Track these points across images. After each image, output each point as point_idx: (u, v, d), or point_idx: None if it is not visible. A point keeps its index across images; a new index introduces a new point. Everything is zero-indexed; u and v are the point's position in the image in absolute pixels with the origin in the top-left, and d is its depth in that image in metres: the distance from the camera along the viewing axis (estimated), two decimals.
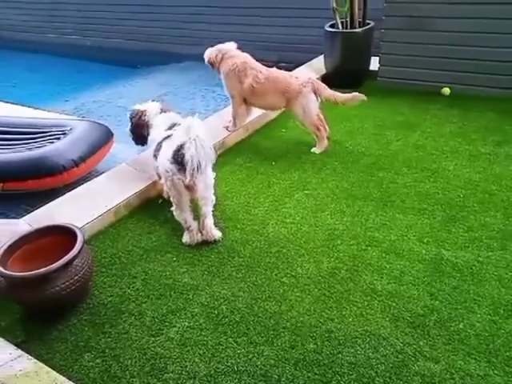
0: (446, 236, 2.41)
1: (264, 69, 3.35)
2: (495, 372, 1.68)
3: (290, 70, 3.62)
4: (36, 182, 3.16)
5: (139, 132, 2.74)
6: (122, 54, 7.68)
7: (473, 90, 4.24)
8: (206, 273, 2.25)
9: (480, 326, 1.87)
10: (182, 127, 2.16)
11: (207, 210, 2.40)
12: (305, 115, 3.29)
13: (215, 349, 1.84)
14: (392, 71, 4.63)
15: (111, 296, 2.13)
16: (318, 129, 3.34)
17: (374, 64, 4.73)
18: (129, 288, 2.17)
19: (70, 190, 2.80)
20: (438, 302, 2.00)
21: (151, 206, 2.80)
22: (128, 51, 7.67)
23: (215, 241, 2.43)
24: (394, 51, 4.58)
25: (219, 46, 3.44)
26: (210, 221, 2.42)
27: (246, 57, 3.39)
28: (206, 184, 2.34)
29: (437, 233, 2.44)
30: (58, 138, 3.49)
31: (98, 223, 2.55)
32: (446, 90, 4.31)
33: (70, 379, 1.64)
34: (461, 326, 1.88)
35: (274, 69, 3.40)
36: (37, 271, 1.86)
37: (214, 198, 2.43)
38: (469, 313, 1.94)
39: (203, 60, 3.50)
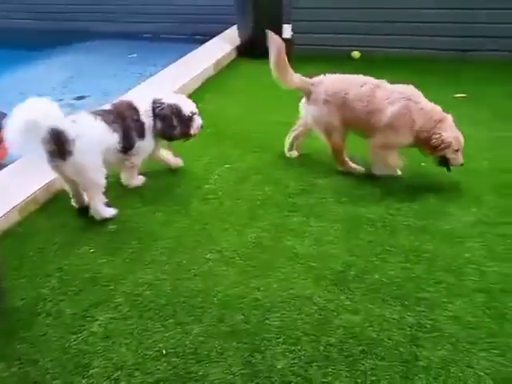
0: (361, 193, 2.53)
1: None
2: (408, 314, 1.80)
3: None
4: None
5: None
6: (16, 35, 6.94)
7: (381, 51, 4.42)
8: (127, 260, 2.16)
9: (393, 274, 2.00)
10: None
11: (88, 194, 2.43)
12: None
13: (142, 336, 1.78)
14: (305, 38, 4.68)
15: (24, 299, 1.97)
16: None
17: (288, 32, 4.74)
18: (43, 288, 2.02)
19: None
20: (355, 257, 2.10)
21: (62, 198, 2.60)
22: (24, 32, 6.95)
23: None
24: (305, 17, 4.62)
25: None
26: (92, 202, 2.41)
27: None
28: (76, 170, 2.28)
29: (353, 192, 2.56)
30: None
31: (1, 223, 2.33)
32: (356, 54, 4.45)
33: None
34: (376, 277, 1.99)
35: None
36: None
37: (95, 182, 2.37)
38: (383, 263, 2.06)
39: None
